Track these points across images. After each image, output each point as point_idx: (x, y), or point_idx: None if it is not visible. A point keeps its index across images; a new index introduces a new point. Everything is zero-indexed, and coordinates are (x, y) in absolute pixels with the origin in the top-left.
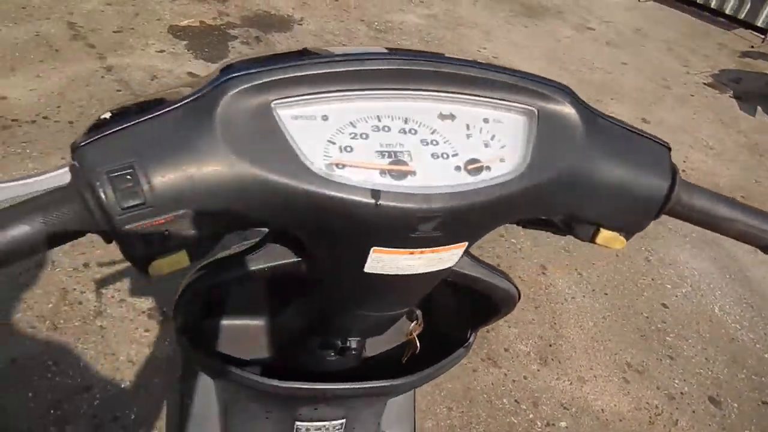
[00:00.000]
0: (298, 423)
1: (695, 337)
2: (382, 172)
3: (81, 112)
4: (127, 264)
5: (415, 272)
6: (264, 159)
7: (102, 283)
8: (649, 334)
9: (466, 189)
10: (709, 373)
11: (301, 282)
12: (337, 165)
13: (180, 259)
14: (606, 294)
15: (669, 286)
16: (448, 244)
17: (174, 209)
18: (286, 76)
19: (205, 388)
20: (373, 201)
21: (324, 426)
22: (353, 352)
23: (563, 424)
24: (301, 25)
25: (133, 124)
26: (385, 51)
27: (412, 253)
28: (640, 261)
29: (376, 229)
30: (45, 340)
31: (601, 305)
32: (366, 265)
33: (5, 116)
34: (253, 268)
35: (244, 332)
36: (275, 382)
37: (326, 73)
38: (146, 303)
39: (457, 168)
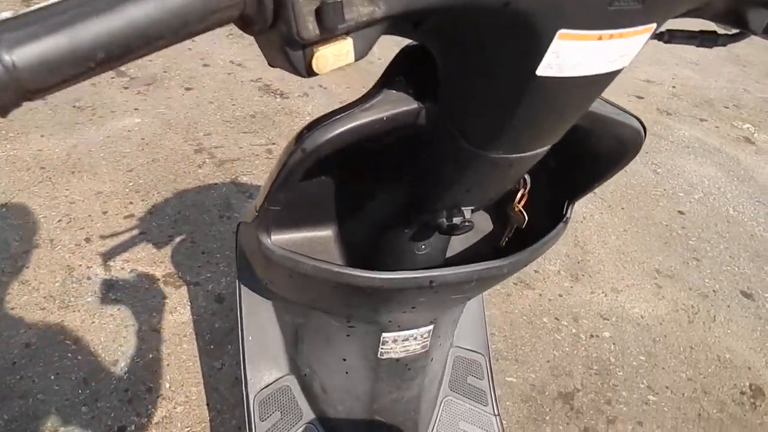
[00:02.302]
0: (384, 335)
1: (716, 238)
2: None
3: None
4: (132, 233)
5: (592, 71)
6: None
7: (108, 255)
8: (671, 240)
9: None
10: (736, 269)
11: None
12: None
13: (345, 49)
14: (623, 208)
15: (681, 194)
16: (641, 24)
17: None
18: None
19: (267, 321)
20: None
21: (412, 335)
22: (460, 230)
23: (606, 334)
24: None
25: None
26: None
27: (600, 38)
28: (649, 174)
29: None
30: (58, 321)
31: (620, 219)
32: (543, 63)
33: None
34: (366, 119)
35: (327, 238)
36: (384, 275)
37: None
38: (160, 269)
39: None
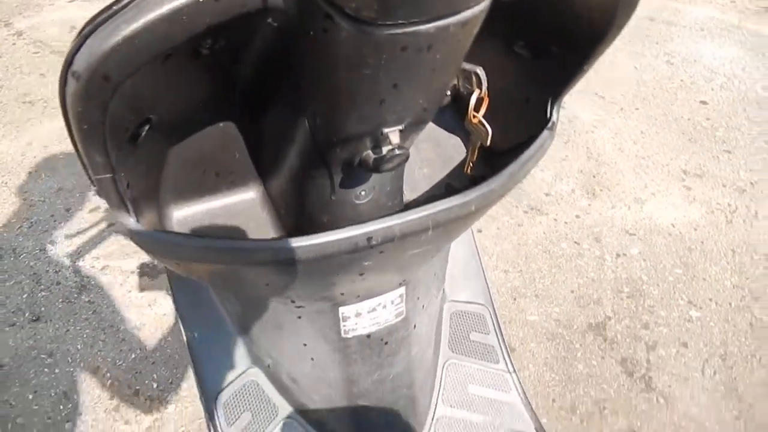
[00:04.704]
0: (342, 310)
1: (746, 124)
2: None
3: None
4: (99, 227)
5: None
6: None
7: (77, 255)
8: (696, 135)
9: None
10: (763, 142)
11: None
12: None
13: None
14: (637, 109)
15: (702, 82)
16: None
17: None
18: None
19: (210, 312)
20: None
21: (379, 304)
22: (392, 162)
23: (634, 250)
24: None
25: None
26: None
27: None
28: (663, 66)
29: None
30: (30, 335)
31: (636, 121)
32: None
33: None
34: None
35: (250, 203)
36: (293, 243)
37: None
38: (133, 261)
39: None
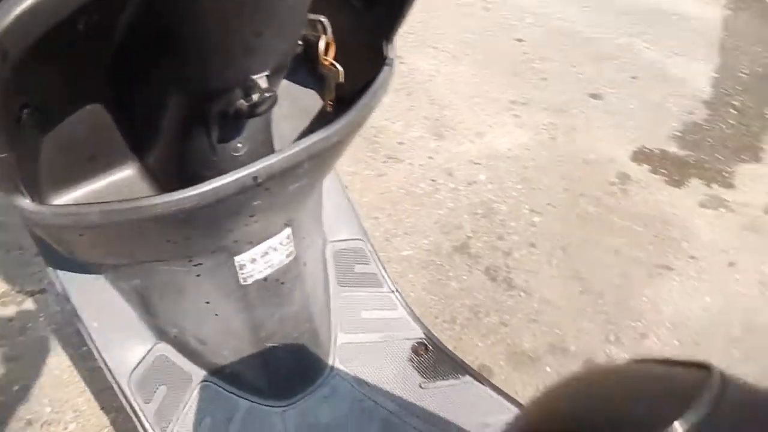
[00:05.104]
0: (238, 258)
1: (556, 53)
2: None
3: None
4: None
5: None
6: None
7: None
8: (518, 69)
9: None
10: (581, 76)
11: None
12: None
13: None
14: (467, 54)
15: (515, 22)
16: None
17: None
18: None
19: (104, 298)
20: None
21: (271, 247)
22: (264, 105)
23: (482, 177)
24: None
25: None
26: None
27: None
28: (481, 13)
29: None
30: None
31: (467, 66)
32: None
33: None
34: None
35: (131, 179)
36: (195, 190)
37: None
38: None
39: None
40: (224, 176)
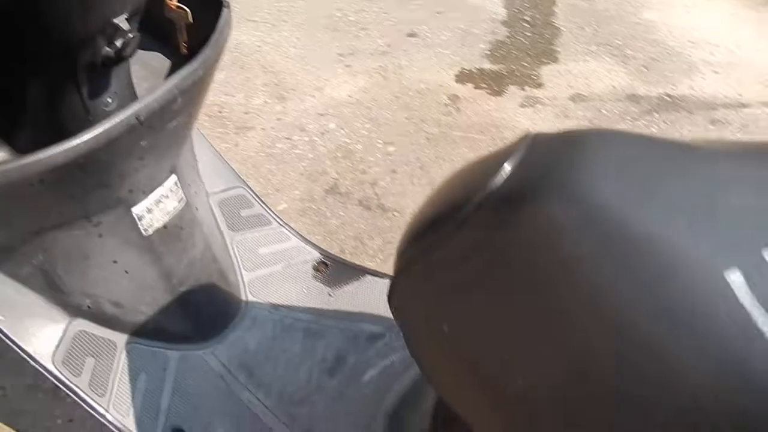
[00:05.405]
0: (135, 210)
1: (370, 4)
2: None
3: None
4: None
5: None
6: None
7: None
8: (336, 25)
9: None
10: (394, 19)
11: None
12: None
13: None
14: (284, 21)
15: None
16: None
17: None
18: None
19: (4, 297)
20: None
21: (162, 195)
22: (130, 47)
23: (332, 125)
24: None
25: None
26: None
27: None
28: None
29: None
30: None
31: (288, 31)
32: None
33: None
34: None
35: None
36: (97, 129)
37: None
38: None
39: None
40: (112, 117)
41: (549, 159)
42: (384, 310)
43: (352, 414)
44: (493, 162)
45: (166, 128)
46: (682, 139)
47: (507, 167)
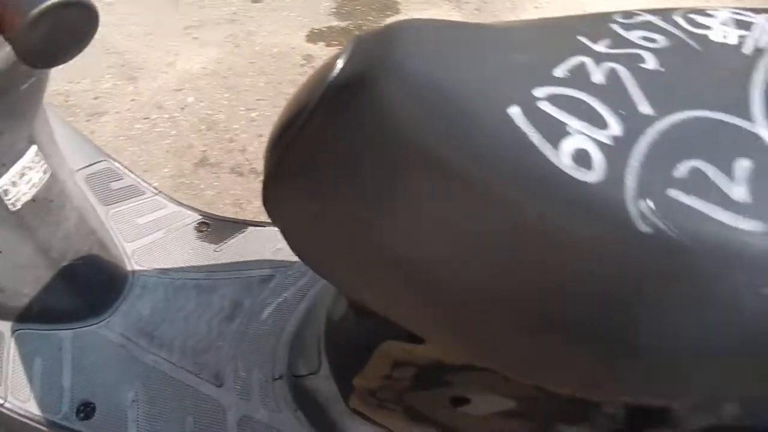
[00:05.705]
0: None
1: None
2: None
3: None
4: None
5: None
6: None
7: None
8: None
9: None
10: None
11: None
12: None
13: None
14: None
15: None
16: None
17: None
18: None
19: None
20: None
21: (26, 167)
22: None
23: (191, 99)
24: None
25: None
26: None
27: None
28: None
29: None
30: None
31: (125, 10)
32: None
33: None
34: None
35: None
36: None
37: None
38: None
39: None
40: None
41: (373, 49)
42: (271, 254)
43: (257, 348)
44: (329, 64)
45: (18, 90)
46: (483, 23)
47: (339, 63)
